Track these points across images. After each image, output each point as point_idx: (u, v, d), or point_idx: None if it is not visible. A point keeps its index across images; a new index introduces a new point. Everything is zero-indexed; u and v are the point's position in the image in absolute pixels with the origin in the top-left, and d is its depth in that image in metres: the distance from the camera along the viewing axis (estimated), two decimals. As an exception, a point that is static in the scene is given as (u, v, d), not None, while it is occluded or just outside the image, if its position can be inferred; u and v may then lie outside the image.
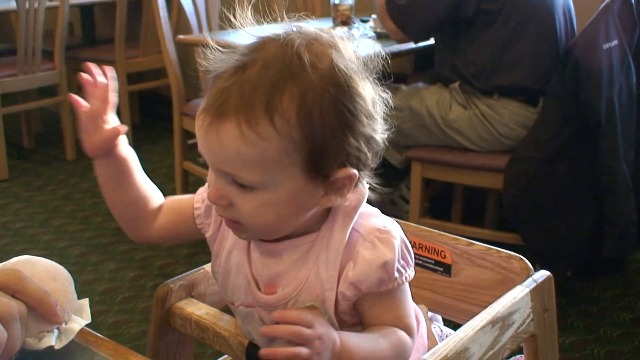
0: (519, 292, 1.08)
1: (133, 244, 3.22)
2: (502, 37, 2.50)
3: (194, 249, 3.08)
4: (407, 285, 0.94)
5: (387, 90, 0.90)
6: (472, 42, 2.55)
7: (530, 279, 1.12)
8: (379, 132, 0.89)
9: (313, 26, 0.89)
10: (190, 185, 3.38)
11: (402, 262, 0.91)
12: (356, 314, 0.94)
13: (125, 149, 0.98)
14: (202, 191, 1.01)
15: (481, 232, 2.65)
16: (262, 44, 0.85)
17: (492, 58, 2.52)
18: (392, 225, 0.93)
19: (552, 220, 2.48)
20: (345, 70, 0.85)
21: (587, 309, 2.59)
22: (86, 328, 0.83)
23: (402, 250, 0.91)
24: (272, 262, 0.93)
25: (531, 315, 1.10)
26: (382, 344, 0.90)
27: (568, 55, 2.35)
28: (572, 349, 2.36)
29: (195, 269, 1.13)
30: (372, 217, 0.93)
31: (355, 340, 0.88)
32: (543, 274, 1.13)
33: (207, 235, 1.00)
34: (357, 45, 0.90)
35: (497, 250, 1.18)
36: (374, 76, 0.90)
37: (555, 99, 2.40)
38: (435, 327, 1.19)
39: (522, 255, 1.16)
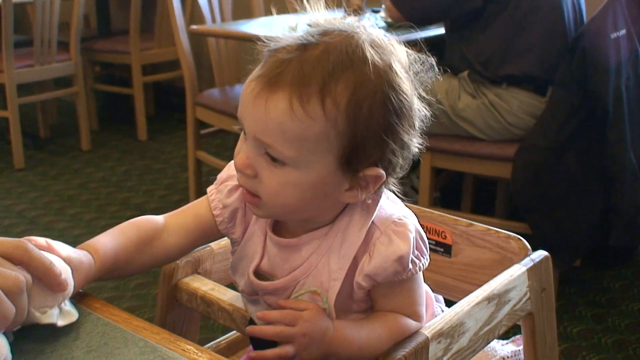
0: (516, 271, 1.09)
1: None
2: (511, 26, 2.51)
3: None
4: (420, 275, 0.95)
5: (427, 107, 0.91)
6: (481, 31, 2.56)
7: (527, 259, 1.13)
8: (414, 144, 0.90)
9: (377, 29, 0.90)
10: (204, 175, 3.42)
11: (416, 252, 0.92)
12: (368, 300, 0.96)
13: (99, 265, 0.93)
14: (218, 198, 1.00)
15: (490, 222, 2.65)
16: (327, 31, 0.87)
17: (500, 47, 2.53)
18: (408, 216, 0.94)
19: (560, 209, 2.49)
20: (401, 75, 0.87)
21: (596, 299, 2.61)
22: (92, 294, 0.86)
23: (417, 242, 0.92)
24: (295, 256, 0.94)
25: (528, 293, 1.11)
26: (378, 331, 0.92)
27: (576, 45, 2.36)
28: (579, 337, 2.38)
29: (200, 247, 1.15)
30: (388, 207, 0.94)
31: (350, 330, 0.90)
32: (541, 254, 1.15)
33: (234, 236, 1.00)
34: (413, 58, 0.91)
35: (496, 230, 1.20)
36: (421, 90, 0.91)
37: (564, 88, 2.41)
38: (436, 307, 1.21)
39: (531, 245, 1.18)
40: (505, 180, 2.83)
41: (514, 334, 1.28)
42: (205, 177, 3.45)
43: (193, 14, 4.24)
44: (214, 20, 3.36)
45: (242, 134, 0.90)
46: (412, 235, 0.91)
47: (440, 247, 1.25)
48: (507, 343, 1.28)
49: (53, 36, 4.10)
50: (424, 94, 0.91)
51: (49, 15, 4.03)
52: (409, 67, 0.90)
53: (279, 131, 0.83)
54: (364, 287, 0.92)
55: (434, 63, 0.92)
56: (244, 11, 3.76)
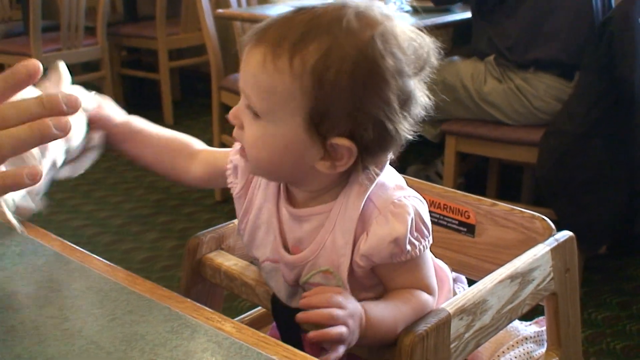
0: (540, 250, 1.09)
1: (173, 215, 3.28)
2: (538, 10, 2.50)
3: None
4: (425, 252, 0.95)
5: (430, 96, 0.92)
6: (508, 15, 2.55)
7: (552, 238, 1.12)
8: (400, 125, 0.88)
9: (380, 4, 0.91)
10: (229, 159, 3.43)
11: (415, 234, 0.91)
12: (374, 277, 0.96)
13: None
14: (233, 151, 1.04)
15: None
16: (337, 3, 0.89)
17: (527, 31, 2.52)
18: (409, 198, 0.93)
19: (586, 195, 2.47)
20: (382, 50, 0.85)
21: (621, 286, 2.60)
22: (107, 262, 0.87)
23: (416, 223, 0.91)
24: (297, 227, 0.96)
25: (552, 273, 1.11)
26: (404, 310, 0.91)
27: (604, 29, 2.34)
28: (604, 324, 2.37)
29: (224, 223, 1.16)
30: (390, 189, 0.94)
31: (378, 312, 0.90)
32: (565, 234, 1.14)
33: (234, 193, 1.04)
34: (413, 40, 0.90)
35: (520, 210, 1.19)
36: (423, 77, 0.91)
37: (590, 73, 2.39)
38: (459, 288, 1.21)
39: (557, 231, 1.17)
40: (531, 166, 2.82)
41: (538, 316, 1.28)
42: (230, 162, 3.46)
43: (219, -2, 4.26)
44: (239, 4, 3.36)
45: None
46: (410, 217, 0.90)
47: (464, 227, 1.25)
48: (530, 324, 1.27)
49: (80, 21, 4.14)
50: (417, 77, 0.90)
51: (76, 0, 4.06)
52: (408, 52, 0.88)
53: (253, 82, 0.88)
54: (362, 267, 0.92)
55: (433, 47, 0.91)
56: (269, -4, 3.77)
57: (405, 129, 0.89)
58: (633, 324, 2.36)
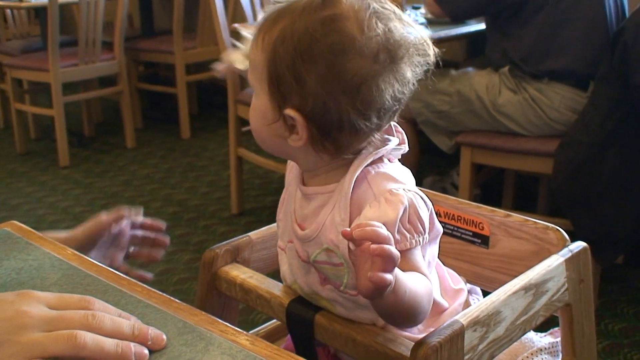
0: (554, 261, 1.09)
1: (189, 228, 3.30)
2: (552, 21, 2.50)
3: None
4: (416, 249, 0.94)
5: (399, 90, 0.92)
6: (523, 25, 2.55)
7: (566, 249, 1.13)
8: (343, 107, 0.90)
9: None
10: (245, 172, 3.44)
11: (408, 226, 0.91)
12: None
13: None
14: None
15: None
16: None
17: (542, 42, 2.52)
18: (408, 192, 0.93)
19: (602, 205, 2.46)
20: (326, 28, 0.89)
21: (638, 297, 2.58)
22: (140, 282, 0.88)
23: (409, 215, 0.91)
24: (305, 204, 1.00)
25: (566, 284, 1.11)
26: (416, 280, 0.90)
27: (617, 39, 2.33)
28: (620, 335, 2.35)
29: (240, 236, 1.18)
30: (392, 181, 0.94)
31: (398, 271, 0.86)
32: (579, 244, 1.14)
33: None
34: (400, 38, 0.92)
35: (534, 221, 1.20)
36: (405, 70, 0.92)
37: (605, 83, 2.38)
38: (473, 299, 1.21)
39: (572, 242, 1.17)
40: (546, 177, 2.81)
41: (552, 327, 1.28)
42: (247, 175, 3.48)
43: (235, 13, 4.28)
44: (255, 19, 3.38)
45: None
46: (402, 206, 0.90)
47: (478, 238, 1.25)
48: (545, 335, 1.27)
49: (97, 36, 4.18)
50: (383, 65, 0.91)
51: (93, 15, 4.11)
52: (368, 34, 0.89)
53: (251, 62, 0.97)
54: (351, 250, 0.91)
55: (414, 41, 0.93)
56: (285, 9, 3.78)
57: (353, 112, 0.90)
58: (651, 335, 2.35)
